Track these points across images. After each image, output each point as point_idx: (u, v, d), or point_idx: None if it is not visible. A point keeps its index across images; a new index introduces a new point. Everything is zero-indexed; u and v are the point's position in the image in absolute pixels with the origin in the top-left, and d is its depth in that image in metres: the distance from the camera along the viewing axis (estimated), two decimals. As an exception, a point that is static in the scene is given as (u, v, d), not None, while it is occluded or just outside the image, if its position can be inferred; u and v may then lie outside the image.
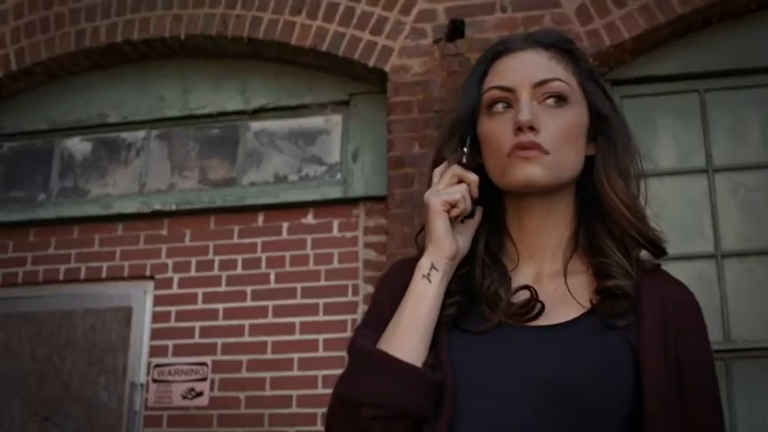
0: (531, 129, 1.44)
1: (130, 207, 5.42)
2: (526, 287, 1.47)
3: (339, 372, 4.80)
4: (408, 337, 1.41)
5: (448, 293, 1.47)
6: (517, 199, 1.53)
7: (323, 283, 5.06)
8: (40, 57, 5.66)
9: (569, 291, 1.47)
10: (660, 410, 1.36)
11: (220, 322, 5.12)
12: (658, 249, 1.55)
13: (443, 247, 1.47)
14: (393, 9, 5.14)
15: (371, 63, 5.09)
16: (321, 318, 4.99)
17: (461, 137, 1.55)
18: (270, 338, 5.02)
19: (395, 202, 4.81)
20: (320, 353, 4.93)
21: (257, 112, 5.47)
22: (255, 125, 5.49)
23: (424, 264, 1.46)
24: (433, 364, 1.40)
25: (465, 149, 1.53)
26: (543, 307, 1.45)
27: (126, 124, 5.65)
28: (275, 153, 5.42)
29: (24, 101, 5.83)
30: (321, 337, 4.96)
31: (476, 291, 1.49)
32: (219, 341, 5.09)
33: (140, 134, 5.65)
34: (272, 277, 5.13)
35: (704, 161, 4.81)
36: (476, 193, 1.51)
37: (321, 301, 5.01)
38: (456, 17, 5.03)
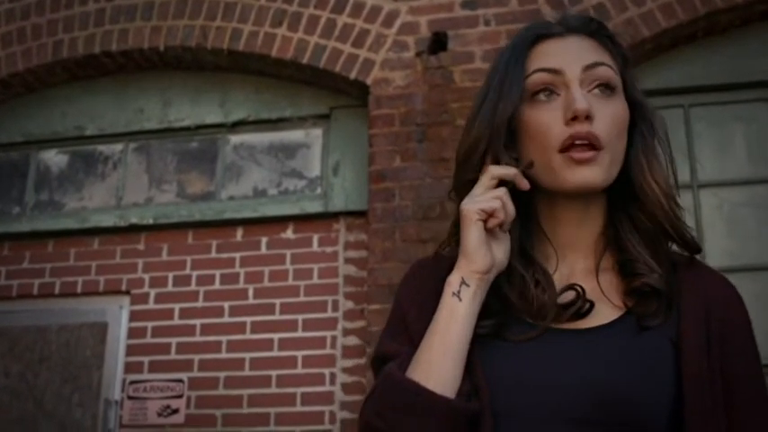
0: (587, 118, 1.35)
1: (107, 221, 5.34)
2: (571, 286, 1.39)
3: (319, 389, 4.68)
4: (442, 365, 1.31)
5: (484, 309, 1.37)
6: (554, 196, 1.43)
7: (302, 298, 4.98)
8: (17, 68, 5.58)
9: (602, 291, 1.39)
10: (701, 409, 1.30)
11: (197, 338, 5.04)
12: (691, 248, 1.45)
13: (475, 261, 1.35)
14: (375, 21, 5.09)
15: (353, 76, 5.04)
16: (300, 334, 4.92)
17: (502, 130, 1.41)
18: (248, 355, 4.94)
19: (376, 217, 4.75)
20: (299, 369, 4.85)
21: (237, 125, 5.41)
22: (235, 138, 5.43)
23: (453, 280, 1.35)
24: (469, 391, 1.31)
25: (510, 154, 1.41)
26: (592, 305, 1.37)
27: (103, 137, 5.58)
28: (255, 167, 5.35)
29: (0, 113, 5.74)
30: (300, 353, 4.88)
31: (515, 296, 1.40)
32: (196, 357, 5.00)
33: (118, 147, 5.57)
34: (251, 293, 5.06)
35: (689, 177, 4.77)
36: (525, 185, 1.39)
37: (300, 317, 4.94)
38: (439, 30, 4.98)
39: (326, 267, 5.01)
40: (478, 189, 1.37)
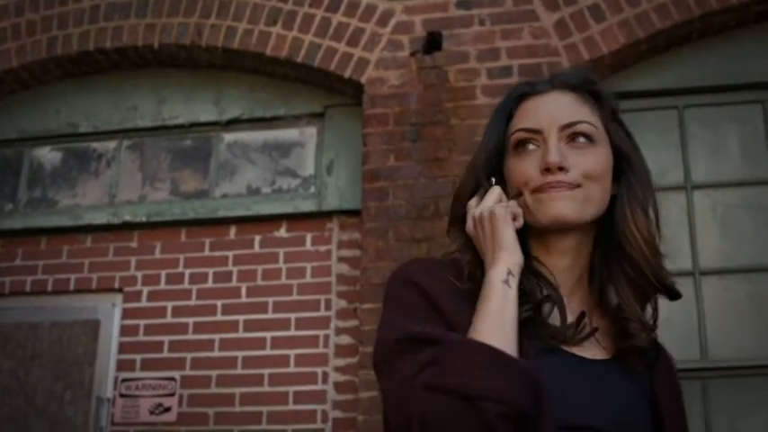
0: (561, 169, 1.45)
1: (100, 218, 5.33)
2: (580, 312, 1.47)
3: (311, 388, 4.68)
4: (506, 339, 1.35)
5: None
6: (544, 238, 1.51)
7: (295, 297, 4.98)
8: (11, 64, 5.57)
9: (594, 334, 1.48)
10: None
11: (190, 336, 5.03)
12: (671, 294, 1.57)
13: (517, 254, 1.44)
14: (370, 21, 5.09)
15: (347, 75, 5.03)
16: (293, 333, 4.91)
17: (488, 174, 1.55)
18: (240, 353, 4.93)
19: (369, 216, 4.74)
20: (291, 368, 4.84)
21: (231, 124, 5.40)
22: (229, 137, 5.42)
23: (500, 270, 1.41)
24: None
25: (493, 180, 1.53)
26: (595, 330, 1.46)
27: (97, 134, 5.56)
28: (248, 165, 5.34)
29: (-6, 109, 5.73)
30: (293, 352, 4.88)
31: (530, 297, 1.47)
32: (189, 356, 4.99)
33: (111, 144, 5.56)
34: (244, 291, 5.05)
35: (682, 178, 4.77)
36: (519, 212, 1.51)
37: (293, 316, 4.93)
38: (433, 29, 4.98)
39: (320, 266, 5.01)
40: (489, 199, 1.50)
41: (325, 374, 4.82)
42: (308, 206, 5.11)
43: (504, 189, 1.52)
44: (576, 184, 1.45)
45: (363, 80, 5.00)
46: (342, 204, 5.06)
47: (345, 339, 4.83)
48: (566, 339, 1.43)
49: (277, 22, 5.21)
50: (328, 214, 5.09)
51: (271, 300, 4.99)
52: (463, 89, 4.79)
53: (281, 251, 5.08)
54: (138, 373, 5.03)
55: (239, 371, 4.91)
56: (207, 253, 5.17)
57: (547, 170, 1.45)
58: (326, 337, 4.87)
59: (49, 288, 5.30)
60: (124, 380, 5.02)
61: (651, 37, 4.81)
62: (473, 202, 1.53)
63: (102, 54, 5.51)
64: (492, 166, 1.55)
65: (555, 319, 1.45)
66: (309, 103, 5.31)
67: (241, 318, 5.00)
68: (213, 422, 4.85)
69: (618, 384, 1.45)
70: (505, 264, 1.42)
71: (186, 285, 5.14)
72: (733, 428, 4.40)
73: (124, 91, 5.59)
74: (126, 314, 5.16)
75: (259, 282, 5.05)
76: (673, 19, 4.78)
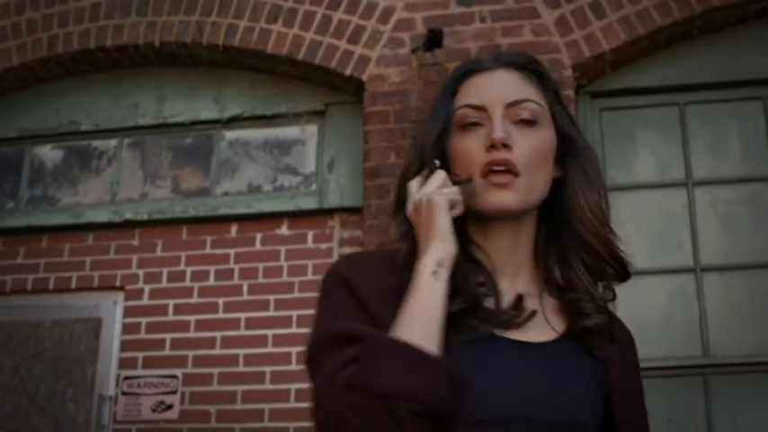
0: (505, 146, 1.44)
1: (101, 216, 5.33)
2: (518, 296, 1.46)
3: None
4: (428, 334, 1.33)
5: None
6: (484, 222, 1.51)
7: (296, 295, 4.97)
8: (11, 62, 5.57)
9: (544, 314, 1.48)
10: (629, 425, 1.47)
11: (191, 334, 5.03)
12: (624, 271, 1.55)
13: (450, 244, 1.41)
14: (371, 18, 5.08)
15: (348, 72, 5.03)
16: (294, 330, 4.91)
17: (434, 154, 1.51)
18: (242, 351, 4.94)
19: (370, 213, 4.74)
20: (293, 366, 4.84)
21: (232, 121, 5.40)
22: (230, 134, 5.42)
23: (430, 261, 1.39)
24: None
25: (437, 163, 1.49)
26: (533, 314, 1.45)
27: (98, 132, 5.56)
28: (249, 163, 5.34)
29: (-6, 107, 5.73)
30: (294, 350, 4.87)
31: (462, 288, 1.43)
32: (190, 353, 4.99)
33: (112, 142, 5.56)
34: (245, 289, 5.05)
35: (683, 174, 4.77)
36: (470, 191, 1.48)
37: (294, 314, 4.93)
38: (434, 27, 4.98)
39: (321, 263, 5.00)
40: (433, 184, 1.46)
41: (327, 372, 4.82)
42: (309, 204, 5.11)
43: (449, 170, 1.49)
44: (518, 167, 1.44)
45: (364, 77, 5.00)
46: (343, 202, 5.06)
47: (347, 337, 4.83)
48: (502, 325, 1.42)
49: (278, 20, 5.21)
50: (329, 212, 5.09)
51: (272, 297, 4.99)
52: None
53: (283, 249, 5.08)
54: (139, 371, 5.03)
55: (241, 368, 4.91)
56: (208, 251, 5.17)
57: (492, 147, 1.45)
58: (328, 334, 4.87)
59: (51, 286, 5.30)
60: (126, 378, 5.03)
61: (652, 34, 4.81)
62: (414, 184, 1.49)
63: (102, 52, 5.51)
64: (440, 146, 1.52)
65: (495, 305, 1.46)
66: (310, 100, 5.31)
67: (242, 315, 5.00)
68: (215, 420, 4.85)
69: (560, 367, 1.43)
70: (436, 255, 1.39)
71: (188, 283, 5.14)
72: (735, 425, 4.40)
73: (125, 89, 5.59)
74: (127, 312, 5.17)
75: (260, 279, 5.05)
76: (673, 16, 4.78)
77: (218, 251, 5.16)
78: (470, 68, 1.56)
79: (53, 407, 5.07)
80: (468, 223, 1.52)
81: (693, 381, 4.42)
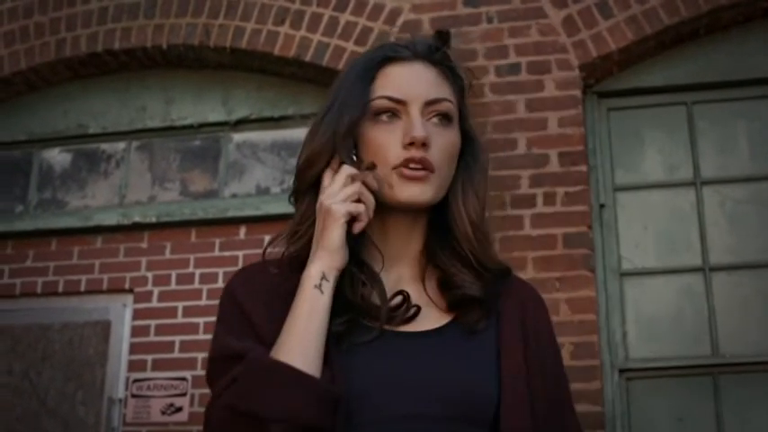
0: (423, 145, 1.45)
1: (110, 219, 5.34)
2: (399, 292, 1.47)
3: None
4: (306, 351, 1.35)
5: (334, 306, 1.42)
6: (386, 211, 1.51)
7: (305, 296, 4.96)
8: (20, 66, 5.58)
9: (430, 299, 1.50)
10: (513, 402, 1.42)
11: (201, 336, 5.03)
12: (502, 270, 1.55)
13: (337, 258, 1.42)
14: (378, 19, 5.09)
15: (356, 74, 5.02)
16: (303, 332, 4.90)
17: (348, 143, 1.49)
18: (251, 353, 4.93)
19: (379, 215, 4.73)
20: (302, 368, 4.84)
21: (239, 124, 5.41)
22: (237, 137, 5.43)
23: (314, 273, 1.40)
24: (329, 379, 1.36)
25: (355, 156, 1.48)
26: (419, 309, 1.47)
27: (106, 135, 5.57)
28: (257, 165, 5.35)
29: (3, 111, 5.74)
30: (303, 351, 4.87)
31: (350, 297, 1.46)
32: (200, 356, 4.99)
33: (121, 145, 5.57)
34: (254, 291, 5.04)
35: (692, 174, 4.77)
36: (374, 185, 1.46)
37: (303, 315, 4.92)
38: (441, 28, 4.97)
39: (329, 265, 5.00)
40: (336, 185, 1.44)
41: (336, 373, 4.82)
42: (317, 205, 5.10)
43: (358, 157, 1.49)
44: (434, 166, 1.46)
45: (372, 79, 4.99)
46: (350, 203, 5.05)
47: (356, 338, 4.83)
48: (389, 321, 1.44)
49: (285, 22, 5.22)
50: (337, 213, 5.09)
51: (281, 299, 4.99)
52: (471, 87, 4.78)
53: (291, 250, 5.07)
54: (149, 374, 5.04)
55: (250, 370, 4.91)
56: (217, 253, 5.18)
57: (410, 144, 1.45)
58: (337, 335, 4.87)
59: (60, 289, 5.31)
60: (135, 380, 5.04)
61: (659, 33, 4.80)
62: (326, 179, 1.47)
63: (110, 55, 5.52)
64: (355, 135, 1.49)
65: (392, 301, 1.47)
66: (318, 102, 5.29)
67: (251, 317, 5.00)
68: (225, 422, 4.85)
69: (452, 353, 1.44)
70: (321, 267, 1.41)
71: (197, 285, 5.15)
72: (744, 423, 4.39)
73: (133, 92, 5.60)
74: (137, 315, 5.17)
75: (269, 281, 5.04)
76: (680, 15, 4.77)
77: (227, 253, 5.16)
78: (388, 56, 1.54)
79: (63, 410, 5.08)
80: None
81: (703, 380, 4.41)
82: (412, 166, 1.45)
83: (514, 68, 4.83)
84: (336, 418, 1.32)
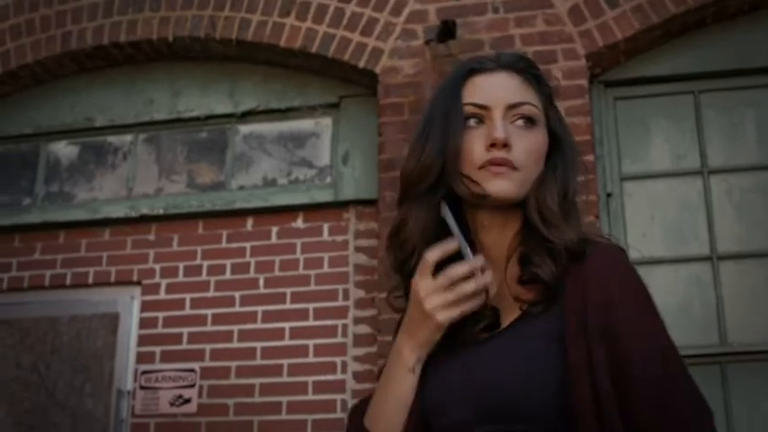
0: (505, 146, 1.52)
1: (117, 212, 5.34)
2: (492, 308, 1.54)
3: (330, 378, 4.71)
4: (389, 426, 1.54)
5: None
6: (477, 212, 1.59)
7: (313, 287, 4.98)
8: (26, 59, 5.59)
9: (507, 286, 1.55)
10: (581, 395, 1.38)
11: (209, 328, 5.05)
12: (572, 254, 1.53)
13: (431, 346, 1.52)
14: (383, 10, 5.08)
15: (362, 65, 5.03)
16: (311, 323, 4.92)
17: (456, 167, 1.56)
18: (259, 344, 4.95)
19: (386, 206, 4.74)
20: (310, 358, 4.86)
21: (246, 116, 5.41)
22: (244, 128, 5.43)
23: (409, 358, 1.53)
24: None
25: (446, 208, 1.55)
26: (497, 312, 1.53)
27: (113, 128, 5.58)
28: (264, 156, 5.35)
29: (10, 104, 5.75)
30: (311, 342, 4.89)
31: None
32: (208, 347, 5.01)
33: (128, 138, 5.57)
34: (262, 282, 5.06)
35: (699, 163, 4.76)
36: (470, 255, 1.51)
37: (311, 306, 4.94)
38: (447, 18, 4.97)
39: (337, 256, 5.02)
40: (443, 280, 1.47)
41: (344, 364, 4.83)
42: (324, 196, 5.12)
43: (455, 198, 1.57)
44: (516, 165, 1.52)
45: (378, 70, 5.00)
46: (358, 194, 5.06)
47: (364, 329, 4.84)
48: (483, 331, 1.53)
49: (291, 14, 5.22)
50: (345, 204, 5.10)
51: (289, 290, 5.00)
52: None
53: (299, 242, 5.09)
54: (157, 365, 5.05)
55: (258, 361, 4.92)
56: (224, 245, 5.19)
57: (492, 146, 1.52)
58: (345, 326, 4.88)
59: (68, 282, 5.32)
60: (144, 372, 5.04)
61: (665, 22, 4.79)
62: (431, 255, 1.49)
63: (116, 48, 5.52)
64: (451, 138, 1.56)
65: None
66: (324, 93, 5.32)
67: (259, 308, 5.01)
68: (233, 413, 4.87)
69: (501, 358, 1.47)
70: (417, 354, 1.53)
71: (204, 277, 5.15)
72: (753, 412, 4.39)
73: (139, 84, 5.61)
74: (145, 307, 5.18)
75: (277, 272, 5.06)
76: (687, 4, 4.76)
77: (234, 245, 5.17)
78: (473, 68, 1.62)
79: (71, 402, 5.09)
80: (466, 212, 1.61)
81: (711, 369, 4.41)
82: (493, 166, 1.52)
83: (521, 58, 4.81)
84: None
